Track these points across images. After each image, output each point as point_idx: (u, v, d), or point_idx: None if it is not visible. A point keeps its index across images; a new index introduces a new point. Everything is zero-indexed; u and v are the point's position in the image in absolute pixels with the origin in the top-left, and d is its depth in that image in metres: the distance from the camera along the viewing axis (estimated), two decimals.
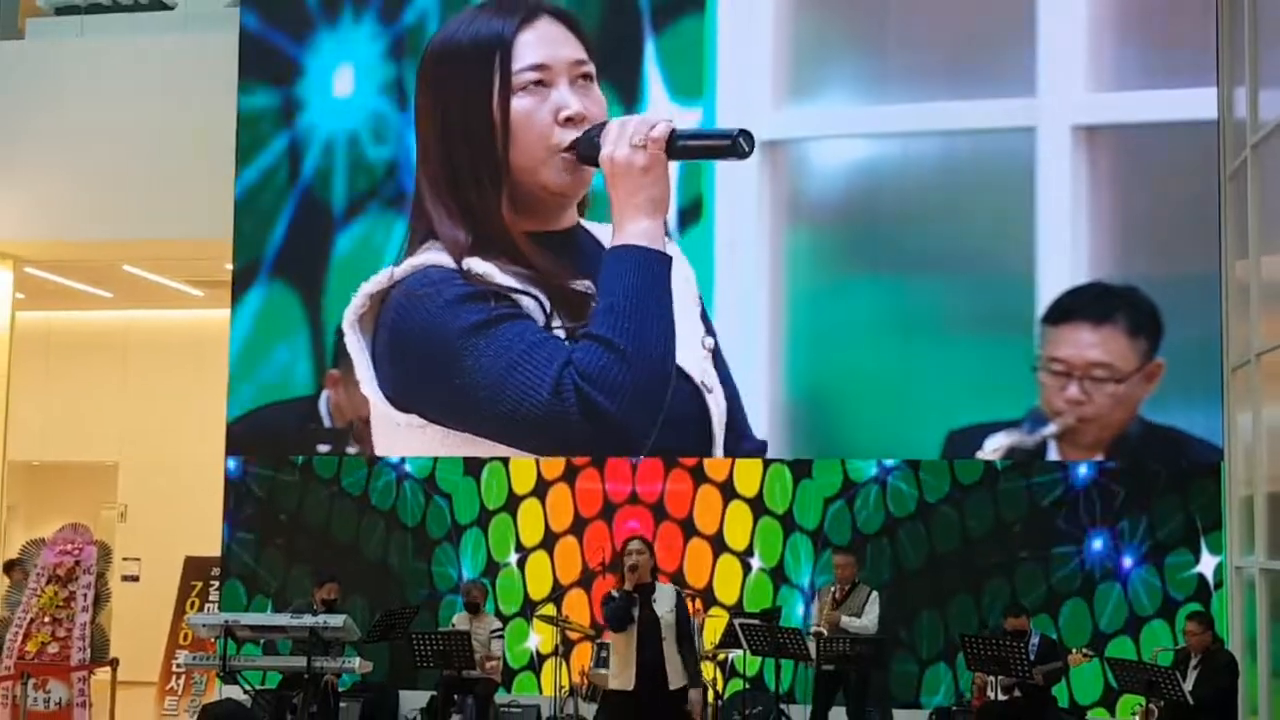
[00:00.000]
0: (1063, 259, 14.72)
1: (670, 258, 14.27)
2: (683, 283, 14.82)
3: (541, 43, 14.68)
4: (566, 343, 14.45)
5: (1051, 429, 13.89)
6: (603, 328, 14.13)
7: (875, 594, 13.57)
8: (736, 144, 13.84)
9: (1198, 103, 14.57)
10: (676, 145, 14.09)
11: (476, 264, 14.70)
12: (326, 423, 16.13)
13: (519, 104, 14.64)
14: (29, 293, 19.44)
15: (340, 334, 15.65)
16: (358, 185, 16.31)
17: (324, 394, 16.12)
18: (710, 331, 14.99)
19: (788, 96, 15.48)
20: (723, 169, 15.01)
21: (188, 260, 18.55)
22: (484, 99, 14.72)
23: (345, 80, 16.50)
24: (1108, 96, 14.85)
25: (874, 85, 15.45)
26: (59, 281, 19.77)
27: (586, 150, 14.23)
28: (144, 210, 17.10)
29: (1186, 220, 14.60)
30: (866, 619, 13.33)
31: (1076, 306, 14.65)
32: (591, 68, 14.74)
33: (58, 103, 17.55)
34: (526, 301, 14.57)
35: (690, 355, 14.71)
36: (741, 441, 15.04)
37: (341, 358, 15.76)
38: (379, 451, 15.79)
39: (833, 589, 13.77)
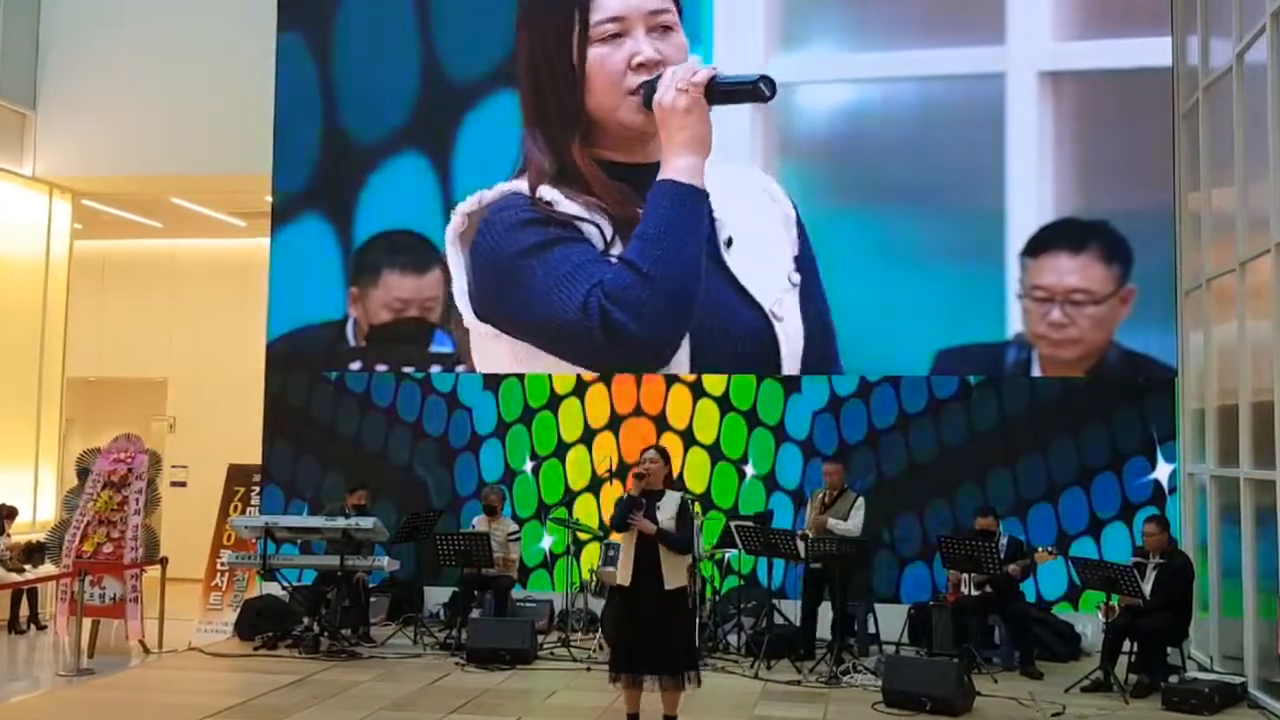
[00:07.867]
0: (1030, 194, 14.42)
1: (705, 192, 14.28)
2: (782, 220, 14.63)
3: None
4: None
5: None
6: (633, 253, 14.33)
7: (861, 499, 13.23)
8: (757, 88, 13.92)
9: (1154, 50, 14.31)
10: (715, 89, 14.17)
11: (547, 191, 14.77)
12: (351, 343, 15.91)
13: (595, 52, 14.75)
14: (86, 223, 19.11)
15: (359, 255, 15.78)
16: (386, 126, 15.85)
17: (350, 317, 15.86)
18: (800, 269, 14.55)
19: (779, 46, 15.13)
20: (722, 111, 14.48)
21: (231, 193, 18.08)
22: (565, 46, 14.85)
23: (374, 31, 16.01)
24: (1071, 45, 14.54)
25: (856, 35, 15.13)
26: (113, 213, 19.37)
27: (647, 95, 14.44)
28: (191, 148, 16.68)
29: (1143, 157, 14.29)
30: (852, 522, 13.01)
31: (1053, 238, 14.32)
32: (672, 16, 14.75)
33: (112, 51, 17.12)
34: (588, 228, 14.60)
35: (770, 286, 14.49)
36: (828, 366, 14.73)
37: (360, 276, 15.79)
38: (478, 366, 15.37)
39: (822, 494, 13.40)
